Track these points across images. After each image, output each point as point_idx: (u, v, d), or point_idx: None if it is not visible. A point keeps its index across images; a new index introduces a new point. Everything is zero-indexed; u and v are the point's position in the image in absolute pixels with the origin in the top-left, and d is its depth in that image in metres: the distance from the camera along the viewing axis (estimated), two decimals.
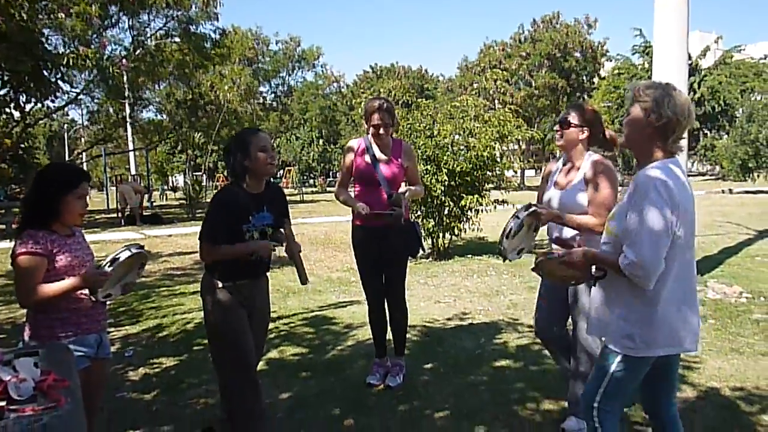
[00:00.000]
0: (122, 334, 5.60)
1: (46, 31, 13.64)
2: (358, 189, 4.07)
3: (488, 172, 9.37)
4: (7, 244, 9.46)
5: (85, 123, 36.06)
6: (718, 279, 7.09)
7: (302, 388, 4.11)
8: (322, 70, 51.83)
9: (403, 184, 4.06)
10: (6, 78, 13.25)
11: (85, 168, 5.10)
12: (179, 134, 29.10)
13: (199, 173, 37.15)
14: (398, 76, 51.31)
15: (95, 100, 24.55)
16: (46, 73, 12.69)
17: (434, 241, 9.43)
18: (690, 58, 28.63)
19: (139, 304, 6.82)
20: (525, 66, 40.90)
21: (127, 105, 23.81)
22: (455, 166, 8.83)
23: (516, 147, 31.68)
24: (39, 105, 15.96)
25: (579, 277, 2.50)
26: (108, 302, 2.79)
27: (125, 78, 19.22)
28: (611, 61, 41.84)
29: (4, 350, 2.20)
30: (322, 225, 15.28)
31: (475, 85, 40.07)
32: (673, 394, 2.57)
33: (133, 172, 26.97)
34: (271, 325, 3.83)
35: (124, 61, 17.18)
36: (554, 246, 3.22)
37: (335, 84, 54.71)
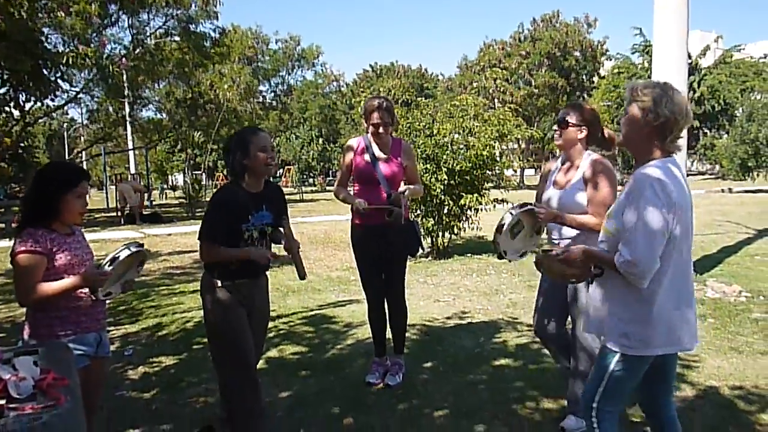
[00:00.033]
0: (122, 333, 5.60)
1: (45, 30, 13.65)
2: (357, 188, 4.07)
3: (488, 171, 9.38)
4: (7, 243, 9.45)
5: (85, 122, 36.06)
6: (718, 278, 7.10)
7: (302, 386, 4.11)
8: (322, 69, 51.77)
9: (402, 183, 4.06)
10: (6, 77, 13.25)
11: (84, 167, 5.11)
12: (179, 133, 29.09)
13: (199, 172, 37.10)
14: (398, 75, 51.30)
15: (95, 99, 24.59)
16: (45, 72, 12.70)
17: (434, 240, 9.43)
18: (690, 57, 28.62)
19: (139, 303, 6.82)
20: (525, 65, 40.88)
21: (126, 104, 23.81)
22: (455, 165, 8.83)
23: (516, 146, 31.71)
24: (39, 104, 15.98)
25: (578, 275, 2.50)
26: (108, 300, 2.79)
27: (125, 77, 19.23)
28: (611, 60, 41.86)
29: (4, 349, 2.20)
30: (322, 224, 15.29)
31: (474, 84, 40.06)
32: (671, 394, 2.57)
33: (132, 171, 26.93)
34: (270, 324, 3.83)
35: (123, 59, 17.21)
36: (554, 242, 3.23)
37: (335, 83, 54.67)
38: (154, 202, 27.35)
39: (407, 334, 4.39)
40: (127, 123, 25.82)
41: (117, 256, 2.60)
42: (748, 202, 18.80)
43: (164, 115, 29.37)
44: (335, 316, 5.95)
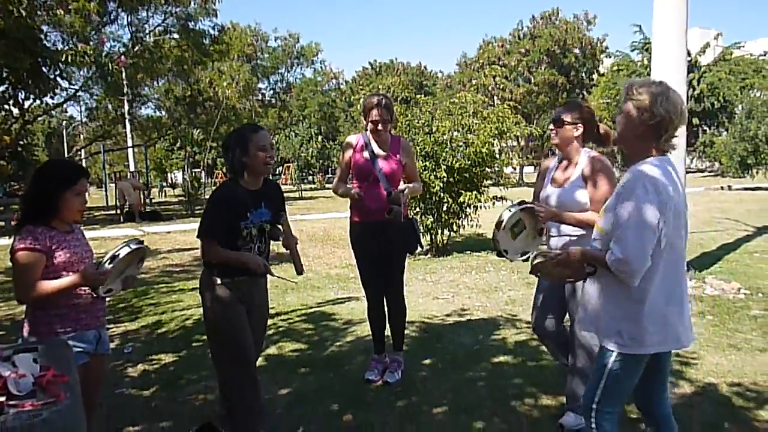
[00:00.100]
0: (121, 331, 5.61)
1: (44, 28, 13.64)
2: (356, 185, 4.07)
3: (487, 169, 9.38)
4: (7, 241, 9.45)
5: (84, 120, 35.95)
6: (717, 275, 7.11)
7: (301, 384, 4.12)
8: (321, 67, 51.79)
9: (401, 180, 4.06)
10: (5, 75, 13.23)
11: (83, 165, 5.11)
12: (178, 131, 29.08)
13: (198, 170, 37.05)
14: (397, 72, 51.28)
15: (94, 97, 24.57)
16: (44, 70, 12.68)
17: (433, 237, 9.43)
18: (689, 54, 28.59)
19: (138, 300, 6.83)
20: (524, 62, 40.87)
21: (125, 102, 23.78)
22: (454, 162, 8.83)
23: (515, 143, 31.72)
24: (38, 102, 15.95)
25: (575, 274, 2.51)
26: (108, 297, 2.80)
27: (124, 75, 19.22)
28: (610, 57, 41.80)
29: (4, 346, 2.21)
30: (321, 221, 15.29)
31: (474, 82, 39.98)
32: (666, 391, 2.58)
33: (131, 168, 26.92)
34: (269, 322, 3.84)
35: (122, 57, 17.18)
36: (552, 237, 3.24)
37: (334, 80, 54.66)
38: (153, 200, 27.33)
39: (406, 332, 4.40)
40: (127, 121, 25.79)
41: (117, 253, 2.61)
42: (748, 200, 18.79)
43: (163, 113, 29.37)
44: (334, 314, 5.96)
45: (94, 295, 2.62)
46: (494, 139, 9.24)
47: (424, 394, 3.87)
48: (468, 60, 45.25)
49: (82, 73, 18.56)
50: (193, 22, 22.04)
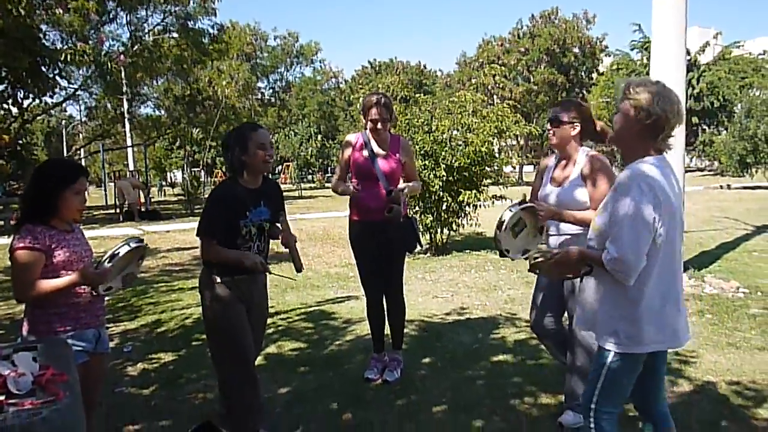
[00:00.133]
0: (121, 330, 5.61)
1: (43, 27, 13.62)
2: (355, 184, 4.08)
3: (486, 168, 9.37)
4: (6, 240, 9.46)
5: (83, 119, 35.94)
6: (716, 274, 7.12)
7: (300, 382, 4.12)
8: (321, 66, 51.70)
9: (401, 179, 4.06)
10: (4, 74, 13.23)
11: (83, 164, 5.10)
12: (177, 130, 29.04)
13: (198, 169, 37.06)
14: (397, 71, 51.14)
15: (93, 96, 24.56)
16: (43, 69, 12.68)
17: (432, 236, 9.44)
18: (689, 53, 28.59)
19: (138, 299, 6.83)
20: (524, 61, 40.81)
21: (125, 101, 23.76)
22: (453, 161, 8.83)
23: (514, 143, 31.69)
24: (37, 101, 15.96)
25: (573, 273, 2.51)
26: (108, 295, 2.80)
27: (123, 74, 19.20)
28: (610, 56, 41.78)
29: (3, 345, 2.21)
30: (321, 221, 15.28)
31: (473, 81, 39.92)
32: (662, 389, 2.58)
33: (131, 168, 26.90)
34: (269, 320, 3.84)
35: (121, 56, 17.16)
36: (551, 236, 3.24)
37: (334, 79, 54.57)
38: (152, 199, 27.32)
39: (406, 330, 4.41)
40: (126, 120, 25.75)
41: (117, 252, 2.61)
42: (747, 199, 18.80)
43: (163, 112, 29.35)
44: (334, 313, 5.96)
45: (94, 293, 2.62)
46: (494, 138, 9.24)
47: (423, 392, 3.87)
48: (467, 59, 45.17)
49: (81, 72, 18.55)
50: (192, 21, 22.02)
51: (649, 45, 8.06)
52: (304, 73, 51.30)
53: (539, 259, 2.55)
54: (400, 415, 3.56)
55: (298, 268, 3.23)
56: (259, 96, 42.52)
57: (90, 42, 14.63)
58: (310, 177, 47.47)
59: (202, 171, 36.76)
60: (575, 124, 3.19)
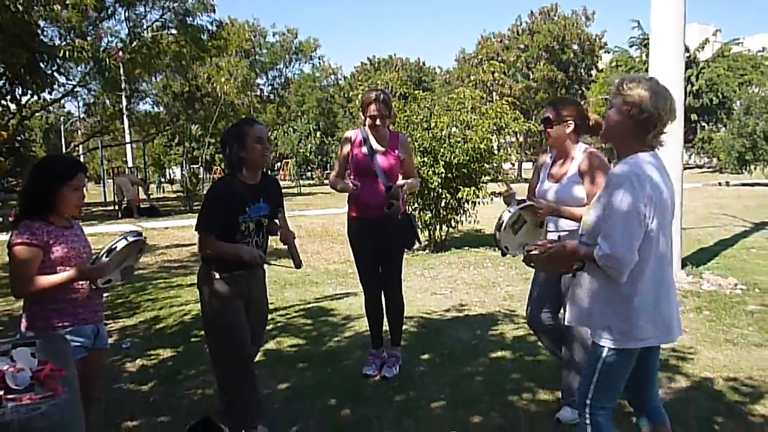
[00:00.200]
0: (119, 326, 5.61)
1: (41, 23, 13.57)
2: (354, 180, 4.07)
3: (485, 165, 9.38)
4: (5, 237, 9.46)
5: (82, 115, 35.89)
6: (714, 270, 7.13)
7: (299, 379, 4.13)
8: (320, 62, 51.63)
9: (399, 176, 4.07)
10: (1, 70, 13.19)
11: (81, 160, 5.11)
12: (176, 126, 28.99)
13: (196, 165, 37.00)
14: (396, 68, 51.10)
15: (92, 93, 24.49)
16: (42, 65, 12.61)
17: (431, 233, 9.44)
18: (688, 50, 28.56)
19: (137, 296, 6.84)
20: (523, 58, 40.76)
21: (123, 97, 23.70)
22: (452, 158, 8.83)
23: (513, 139, 31.67)
24: (35, 97, 15.92)
25: (566, 270, 2.51)
26: (107, 289, 2.80)
27: (122, 70, 19.12)
28: (609, 53, 41.72)
29: (2, 341, 2.21)
30: (319, 217, 15.29)
31: (472, 78, 39.94)
32: (656, 385, 2.59)
33: (130, 164, 26.89)
34: (268, 317, 3.84)
35: (120, 53, 17.08)
36: (549, 233, 3.24)
37: (332, 76, 54.49)
38: (151, 196, 27.30)
39: (404, 327, 4.41)
40: (125, 116, 25.71)
41: (114, 246, 2.62)
42: (745, 196, 18.81)
43: (161, 109, 29.27)
44: (333, 309, 5.97)
45: (93, 287, 2.63)
46: (493, 135, 9.24)
47: (421, 388, 3.88)
48: (466, 56, 45.13)
49: (79, 68, 18.45)
50: (191, 18, 21.96)
51: (648, 42, 8.05)
52: (303, 70, 51.27)
53: (534, 252, 2.55)
54: (398, 411, 3.57)
55: (297, 265, 3.24)
56: (258, 93, 42.45)
57: (88, 38, 14.57)
58: (309, 174, 47.46)
59: (201, 168, 36.70)
60: (569, 121, 3.19)
